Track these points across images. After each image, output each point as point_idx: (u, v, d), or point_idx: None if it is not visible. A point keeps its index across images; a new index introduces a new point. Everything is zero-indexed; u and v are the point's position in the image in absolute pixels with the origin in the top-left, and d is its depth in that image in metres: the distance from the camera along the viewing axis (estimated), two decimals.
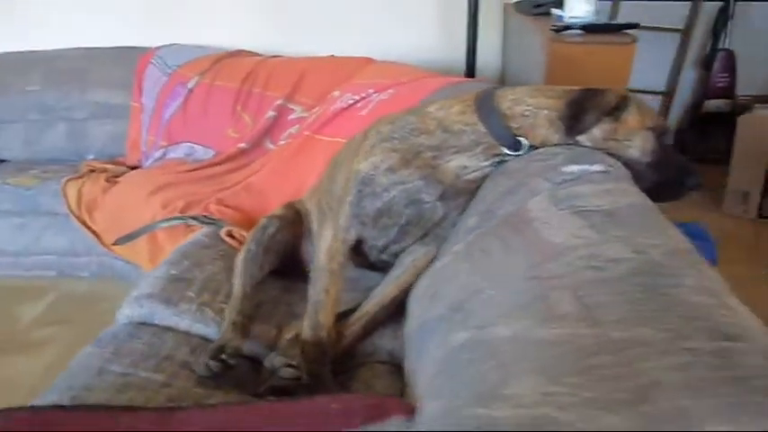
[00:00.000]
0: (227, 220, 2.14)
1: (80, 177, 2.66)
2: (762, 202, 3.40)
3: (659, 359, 0.73)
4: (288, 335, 1.55)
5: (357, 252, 1.65)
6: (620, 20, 4.25)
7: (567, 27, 2.17)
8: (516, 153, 1.45)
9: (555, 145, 1.45)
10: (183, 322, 1.59)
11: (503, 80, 3.26)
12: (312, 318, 1.49)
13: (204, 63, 2.96)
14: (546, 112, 1.44)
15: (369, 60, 2.82)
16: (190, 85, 2.90)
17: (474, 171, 1.47)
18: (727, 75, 4.27)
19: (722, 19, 4.20)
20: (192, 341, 1.55)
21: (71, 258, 2.66)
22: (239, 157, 2.68)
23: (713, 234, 3.10)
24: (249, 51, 3.13)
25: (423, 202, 1.47)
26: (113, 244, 2.14)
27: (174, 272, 1.73)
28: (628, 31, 2.22)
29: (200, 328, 1.59)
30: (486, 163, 1.46)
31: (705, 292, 0.86)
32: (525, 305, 0.94)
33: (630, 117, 1.45)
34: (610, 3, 3.72)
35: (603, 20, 2.31)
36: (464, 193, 1.48)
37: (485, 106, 1.47)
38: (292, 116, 2.70)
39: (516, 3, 2.99)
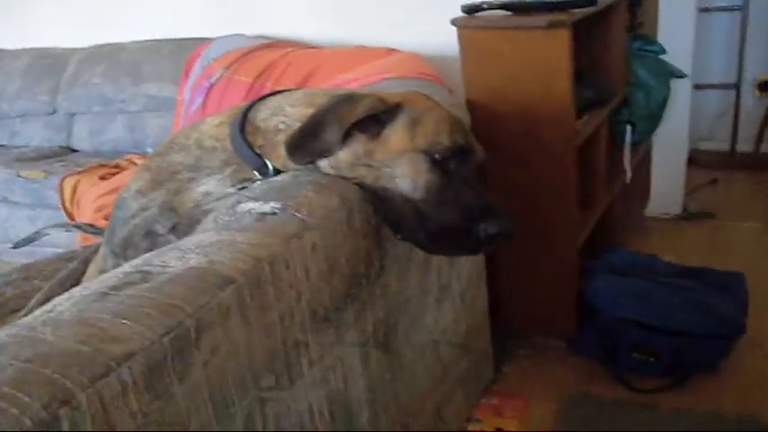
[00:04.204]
0: None
1: (79, 173, 2.60)
2: None
3: None
4: None
5: None
6: None
7: (478, 7, 1.60)
8: (265, 179, 1.10)
9: (295, 170, 1.07)
10: None
11: None
12: None
13: (234, 55, 2.74)
14: (300, 125, 1.06)
15: (388, 52, 2.40)
16: (212, 80, 2.71)
17: (218, 199, 1.12)
18: None
19: None
20: None
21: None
22: None
23: None
24: (289, 42, 2.84)
25: (157, 234, 1.17)
26: (11, 247, 2.03)
27: None
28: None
29: None
30: (232, 190, 1.12)
31: None
32: None
33: (394, 134, 1.00)
34: None
35: None
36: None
37: (240, 117, 1.13)
38: None
39: None
